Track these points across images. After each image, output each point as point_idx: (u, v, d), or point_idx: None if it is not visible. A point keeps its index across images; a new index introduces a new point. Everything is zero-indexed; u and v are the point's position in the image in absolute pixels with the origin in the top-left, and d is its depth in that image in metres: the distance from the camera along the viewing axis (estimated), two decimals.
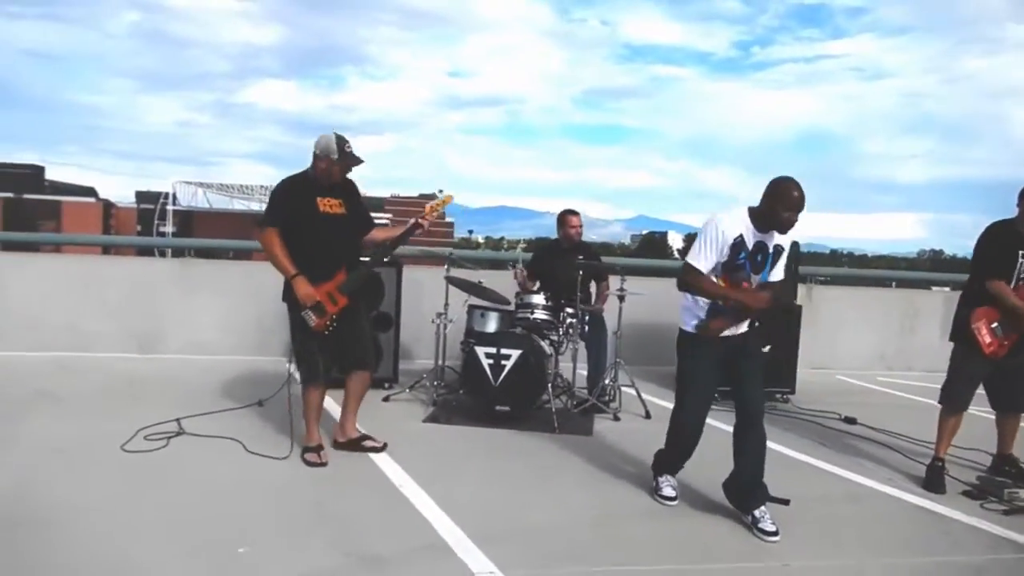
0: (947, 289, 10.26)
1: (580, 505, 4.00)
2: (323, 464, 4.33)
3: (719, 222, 3.69)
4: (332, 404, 4.85)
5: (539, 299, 5.70)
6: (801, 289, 8.50)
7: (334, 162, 4.29)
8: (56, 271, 7.20)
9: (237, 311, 7.07)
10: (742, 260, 3.72)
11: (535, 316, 5.63)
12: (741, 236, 3.69)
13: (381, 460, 4.46)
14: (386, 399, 5.85)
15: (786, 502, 3.86)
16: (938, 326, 8.56)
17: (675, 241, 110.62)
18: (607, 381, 6.00)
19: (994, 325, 4.51)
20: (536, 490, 4.21)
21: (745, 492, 3.84)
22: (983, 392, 4.69)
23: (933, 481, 4.52)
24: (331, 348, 4.43)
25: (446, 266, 5.97)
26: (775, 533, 3.63)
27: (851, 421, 5.97)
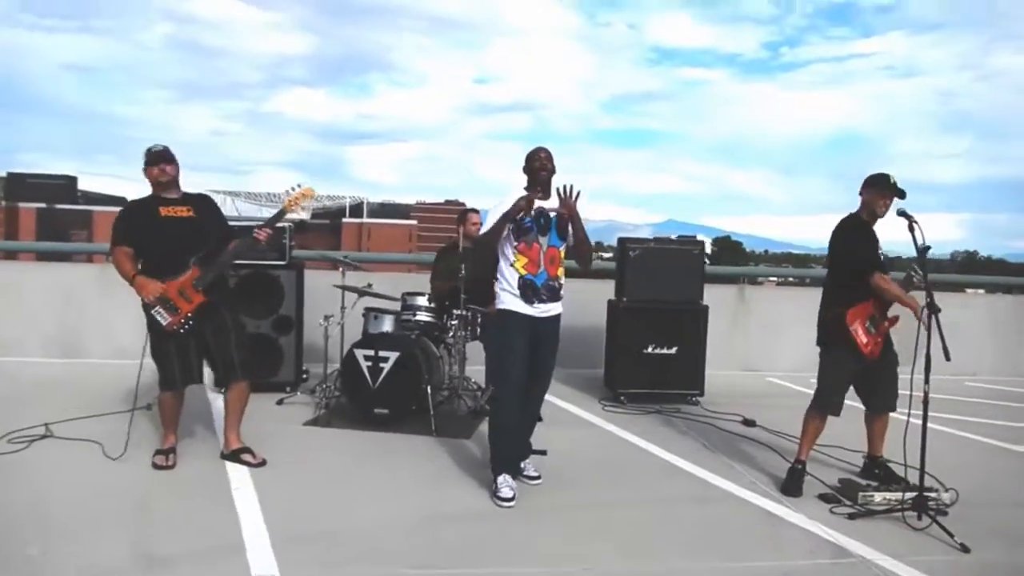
0: (981, 291, 10.09)
1: (413, 508, 3.98)
2: (170, 467, 4.35)
3: (503, 198, 4.14)
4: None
5: (423, 301, 5.69)
6: (731, 290, 8.43)
7: (151, 168, 4.36)
8: None
9: None
10: (529, 224, 4.12)
11: (417, 318, 5.62)
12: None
13: (236, 463, 4.48)
14: (279, 402, 5.87)
15: (543, 452, 4.57)
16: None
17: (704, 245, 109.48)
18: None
19: (867, 324, 4.43)
20: (375, 492, 4.20)
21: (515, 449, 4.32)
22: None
23: (790, 484, 4.45)
24: (193, 353, 4.42)
25: (342, 270, 5.98)
26: (538, 477, 4.37)
27: (750, 424, 5.89)
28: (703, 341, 6.47)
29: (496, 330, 4.34)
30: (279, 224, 5.86)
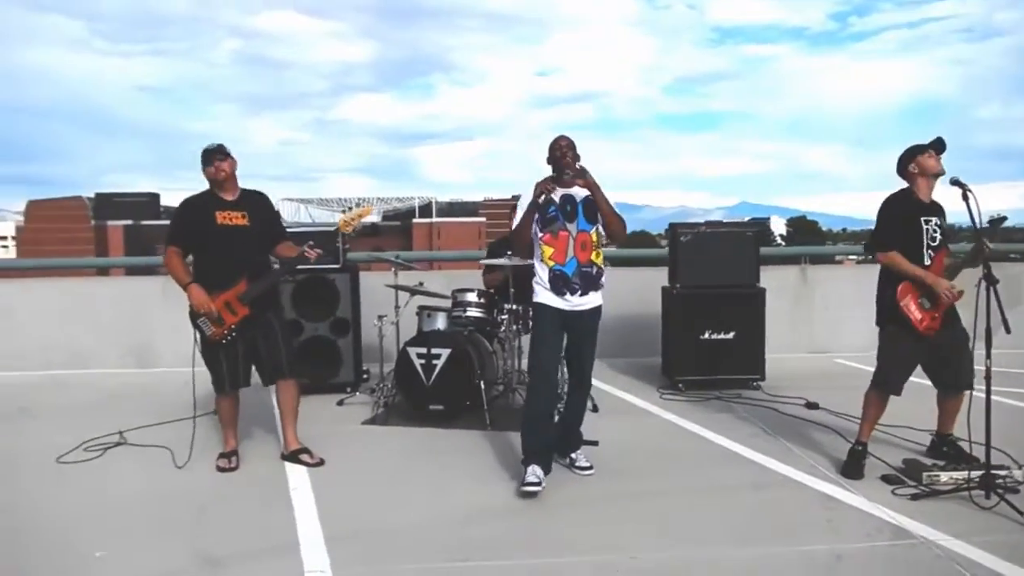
0: None
1: (462, 502, 4.03)
2: (232, 469, 4.51)
3: (527, 196, 4.16)
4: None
5: (473, 296, 5.74)
6: (792, 271, 8.21)
7: (214, 167, 4.46)
8: (57, 293, 7.76)
9: None
10: (553, 212, 4.11)
11: (468, 314, 5.66)
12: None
13: (292, 464, 4.61)
14: (340, 403, 6.01)
15: (595, 443, 4.58)
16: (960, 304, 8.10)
17: (778, 227, 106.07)
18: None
19: (920, 299, 4.26)
20: (427, 488, 4.26)
21: (562, 439, 4.41)
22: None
23: (851, 466, 4.32)
24: (240, 359, 4.54)
25: (394, 271, 6.08)
26: (590, 468, 4.34)
27: (813, 407, 5.72)
28: (761, 324, 6.32)
29: (533, 322, 4.38)
30: (331, 230, 6.04)
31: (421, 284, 6.03)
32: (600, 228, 4.20)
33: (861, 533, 3.58)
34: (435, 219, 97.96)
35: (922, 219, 4.25)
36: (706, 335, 6.29)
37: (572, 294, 4.12)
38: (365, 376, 6.52)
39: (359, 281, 6.58)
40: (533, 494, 4.00)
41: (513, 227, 4.26)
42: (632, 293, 7.41)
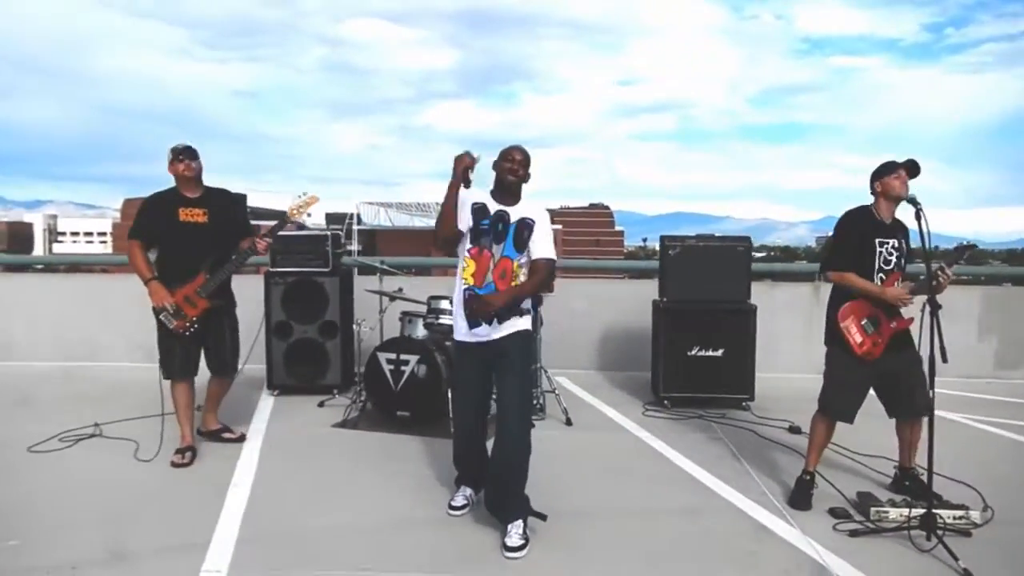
0: None
1: (390, 512, 4.02)
2: (185, 464, 4.64)
3: (466, 192, 3.73)
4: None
5: (447, 304, 5.72)
6: (804, 288, 7.90)
7: (169, 161, 4.64)
8: (74, 288, 8.11)
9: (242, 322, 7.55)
10: (486, 225, 3.70)
11: (441, 321, 5.65)
12: (484, 204, 3.72)
13: (248, 459, 4.73)
14: (321, 404, 6.08)
15: (543, 516, 3.69)
16: (975, 326, 7.68)
17: None
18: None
19: (864, 321, 4.06)
20: (363, 495, 4.26)
21: (496, 500, 3.76)
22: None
23: (797, 496, 4.14)
24: (194, 350, 4.78)
25: (379, 276, 6.12)
26: (519, 549, 3.48)
27: (796, 431, 5.50)
28: (752, 343, 6.10)
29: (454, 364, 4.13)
30: (321, 233, 6.16)
31: (400, 290, 6.05)
32: (525, 259, 3.74)
33: (778, 568, 3.42)
34: None
35: (877, 240, 4.06)
36: (694, 351, 6.12)
37: (488, 323, 3.69)
38: (357, 379, 6.58)
39: (352, 284, 6.66)
40: (459, 515, 3.96)
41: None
42: (635, 305, 7.27)
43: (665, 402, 6.17)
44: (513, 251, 3.71)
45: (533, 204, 3.78)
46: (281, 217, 4.75)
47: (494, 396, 3.87)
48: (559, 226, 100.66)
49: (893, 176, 4.06)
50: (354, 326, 5.96)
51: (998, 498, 4.02)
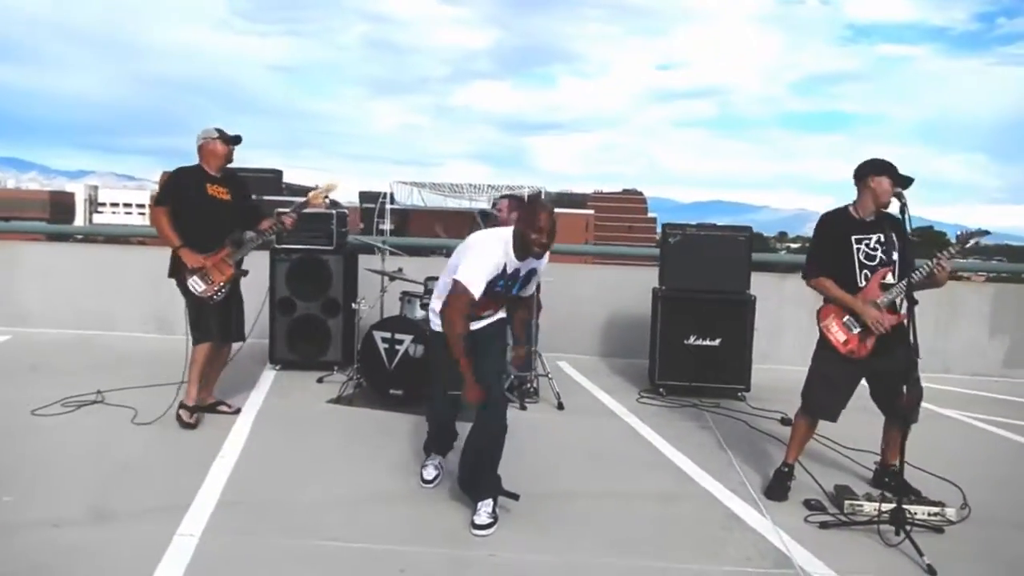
0: None
1: (369, 485, 4.11)
2: (192, 425, 4.84)
3: (492, 252, 3.58)
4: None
5: None
6: (789, 281, 7.83)
7: (215, 139, 4.91)
8: (93, 259, 8.31)
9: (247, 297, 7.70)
10: (501, 287, 3.69)
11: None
12: (505, 265, 3.64)
13: (239, 431, 4.84)
14: (320, 380, 6.18)
15: (515, 496, 3.73)
16: (985, 324, 7.55)
17: None
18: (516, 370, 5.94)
19: (846, 319, 4.03)
20: (346, 468, 4.36)
21: (469, 479, 3.81)
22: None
23: (774, 488, 4.15)
24: (225, 316, 4.98)
25: (381, 256, 6.19)
26: (487, 527, 3.54)
27: (787, 423, 5.42)
28: (749, 333, 6.08)
29: (432, 348, 4.20)
30: (326, 211, 6.27)
31: (400, 270, 6.11)
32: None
33: (740, 555, 3.45)
34: None
35: (853, 239, 4.01)
36: (691, 340, 6.11)
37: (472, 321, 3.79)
38: (357, 357, 6.66)
39: (356, 263, 6.74)
40: (432, 487, 4.06)
41: (470, 289, 3.55)
42: (642, 292, 7.28)
43: (660, 390, 6.18)
44: (519, 288, 3.87)
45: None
46: (304, 201, 5.08)
47: None
48: (591, 211, 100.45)
49: (887, 180, 3.95)
50: (353, 305, 6.04)
51: (981, 496, 4.01)
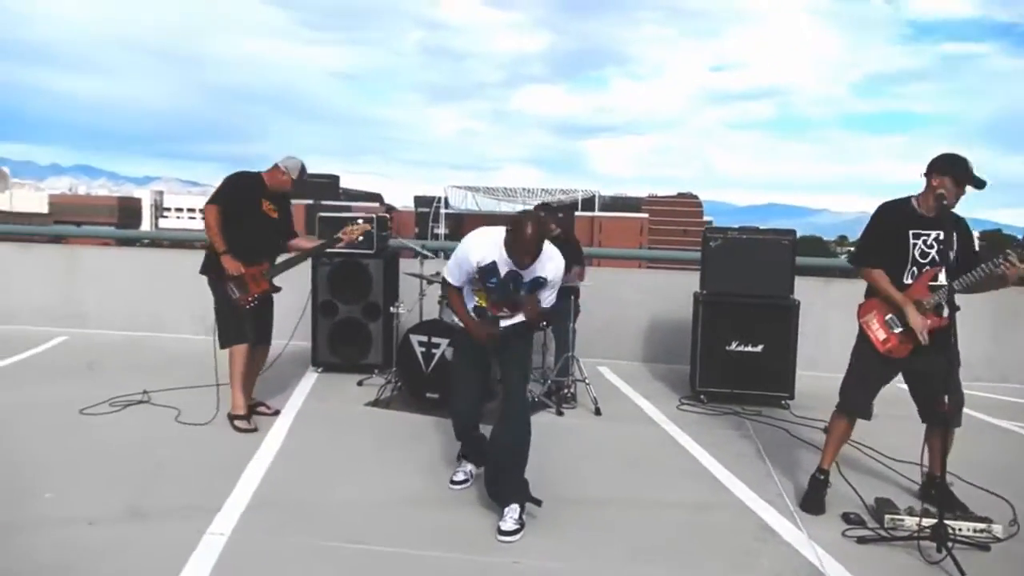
0: None
1: (399, 489, 4.12)
2: (254, 430, 4.94)
3: (468, 248, 3.73)
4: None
5: None
6: (861, 285, 7.60)
7: (292, 181, 5.14)
8: (147, 263, 8.56)
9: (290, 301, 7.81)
10: (493, 284, 3.74)
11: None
12: (494, 262, 3.69)
13: (277, 433, 4.92)
14: (360, 383, 6.24)
15: (538, 502, 3.70)
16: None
17: None
18: (554, 375, 5.94)
19: (888, 317, 3.90)
20: (378, 471, 4.39)
21: (493, 481, 3.80)
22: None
23: (810, 499, 4.03)
24: (252, 320, 5.09)
25: (420, 260, 6.23)
26: (513, 534, 3.52)
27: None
28: (793, 339, 5.93)
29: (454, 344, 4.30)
30: (366, 216, 6.35)
31: (438, 274, 6.12)
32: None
33: (770, 570, 3.35)
34: (597, 213, 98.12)
35: (912, 232, 3.85)
36: (733, 346, 5.99)
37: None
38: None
39: (397, 267, 6.80)
40: (461, 489, 4.07)
41: (448, 278, 3.89)
42: (683, 296, 7.18)
43: (701, 397, 6.07)
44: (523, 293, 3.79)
45: (550, 261, 3.68)
46: (333, 237, 5.30)
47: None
48: (645, 215, 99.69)
49: (956, 182, 3.74)
50: (391, 308, 6.08)
51: None
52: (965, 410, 3.91)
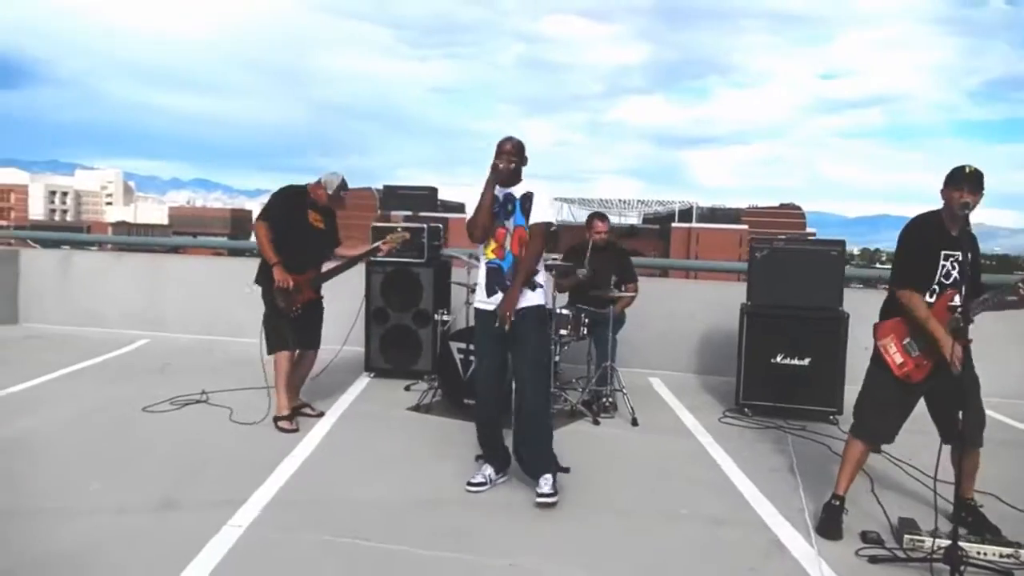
0: None
1: (422, 491, 4.24)
2: (295, 430, 5.20)
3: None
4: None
5: None
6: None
7: (328, 196, 5.38)
8: (224, 269, 9.02)
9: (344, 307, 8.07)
10: (496, 209, 4.16)
11: None
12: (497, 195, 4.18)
13: (316, 433, 5.16)
14: (407, 388, 6.42)
15: (566, 469, 4.29)
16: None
17: None
18: (592, 384, 5.97)
19: (906, 341, 3.76)
20: (406, 473, 4.53)
21: (524, 461, 4.26)
22: None
23: (825, 524, 3.87)
24: (295, 327, 5.36)
25: (467, 269, 6.36)
26: (551, 495, 4.01)
27: (875, 450, 5.09)
28: (842, 353, 5.74)
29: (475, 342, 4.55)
30: (418, 227, 6.54)
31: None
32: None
33: None
34: (694, 224, 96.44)
35: (943, 252, 3.71)
36: (778, 359, 5.85)
37: (502, 291, 4.09)
38: None
39: (448, 275, 6.96)
40: (476, 492, 4.18)
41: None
42: (719, 306, 7.09)
43: (745, 410, 5.95)
44: (523, 220, 4.13)
45: (531, 183, 4.21)
46: (374, 246, 5.56)
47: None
48: (745, 226, 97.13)
49: (957, 194, 3.63)
50: (436, 316, 6.24)
51: None
52: (1012, 424, 3.73)
